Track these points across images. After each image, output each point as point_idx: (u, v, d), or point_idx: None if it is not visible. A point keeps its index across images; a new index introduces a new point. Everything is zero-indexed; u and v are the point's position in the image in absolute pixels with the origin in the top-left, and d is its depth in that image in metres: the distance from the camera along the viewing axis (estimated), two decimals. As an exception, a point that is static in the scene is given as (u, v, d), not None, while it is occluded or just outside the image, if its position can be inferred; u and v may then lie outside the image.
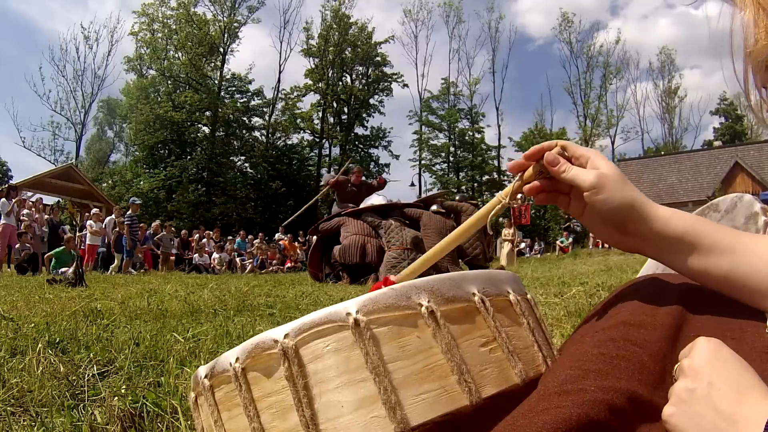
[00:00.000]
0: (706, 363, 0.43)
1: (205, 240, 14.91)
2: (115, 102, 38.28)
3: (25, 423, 1.17)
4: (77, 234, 10.21)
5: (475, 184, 38.21)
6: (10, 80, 50.83)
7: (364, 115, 37.50)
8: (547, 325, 0.58)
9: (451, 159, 38.68)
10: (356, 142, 37.40)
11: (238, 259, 15.37)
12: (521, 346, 0.49)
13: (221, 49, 33.88)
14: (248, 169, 34.81)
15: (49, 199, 17.04)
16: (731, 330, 0.49)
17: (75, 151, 33.45)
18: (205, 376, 0.51)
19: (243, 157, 34.83)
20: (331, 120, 37.02)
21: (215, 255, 14.23)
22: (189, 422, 1.14)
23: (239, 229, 20.96)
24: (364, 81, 37.47)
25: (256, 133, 35.70)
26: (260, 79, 61.49)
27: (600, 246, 19.67)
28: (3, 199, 9.38)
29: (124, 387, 1.34)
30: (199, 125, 33.56)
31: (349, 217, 7.30)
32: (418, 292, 0.46)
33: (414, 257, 6.48)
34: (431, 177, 38.78)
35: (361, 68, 37.50)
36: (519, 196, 0.63)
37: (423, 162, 38.75)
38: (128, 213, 11.19)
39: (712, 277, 0.53)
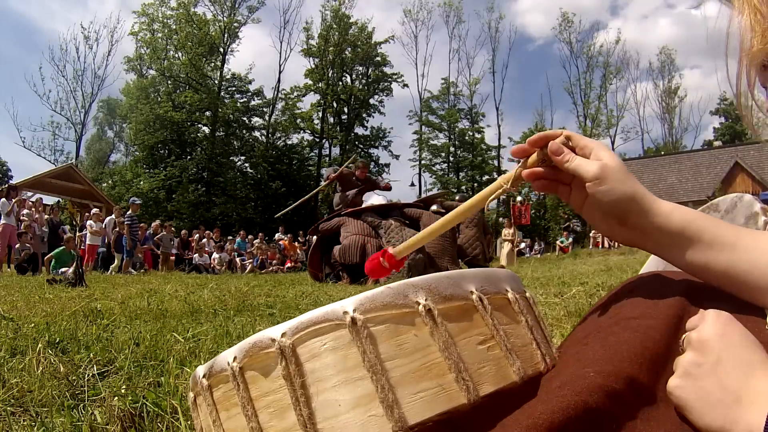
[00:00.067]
0: (715, 338, 0.43)
1: (205, 240, 14.91)
2: (115, 102, 38.29)
3: (25, 423, 1.17)
4: (77, 234, 10.22)
5: (475, 184, 38.20)
6: (10, 80, 50.88)
7: (364, 115, 37.51)
8: (546, 324, 0.58)
9: (451, 159, 38.69)
10: (356, 142, 37.40)
11: (238, 259, 15.37)
12: (519, 344, 0.49)
13: (221, 49, 33.89)
14: (248, 169, 34.82)
15: (49, 199, 17.06)
16: None
17: (75, 151, 33.49)
18: (204, 376, 0.51)
19: (243, 157, 34.85)
20: (331, 120, 37.03)
21: (215, 255, 14.23)
22: (189, 422, 1.14)
23: (239, 229, 20.97)
24: (364, 81, 37.48)
25: (256, 133, 35.76)
26: (260, 79, 61.58)
27: (600, 246, 19.68)
28: (3, 199, 9.38)
29: (124, 387, 1.34)
30: (199, 125, 33.58)
31: (349, 217, 7.31)
32: (415, 291, 0.46)
33: (414, 257, 6.48)
34: (431, 177, 38.84)
35: (361, 68, 37.52)
36: (520, 191, 0.63)
37: (423, 162, 38.78)
38: (128, 213, 11.20)
39: (712, 272, 0.53)
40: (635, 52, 46.79)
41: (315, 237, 8.12)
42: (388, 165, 37.19)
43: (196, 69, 32.44)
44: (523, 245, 22.93)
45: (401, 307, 0.45)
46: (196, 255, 13.86)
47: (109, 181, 33.53)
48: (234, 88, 34.89)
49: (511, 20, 54.84)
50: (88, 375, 1.46)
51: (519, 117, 77.37)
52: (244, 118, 34.92)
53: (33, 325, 2.17)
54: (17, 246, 9.95)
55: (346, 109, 37.34)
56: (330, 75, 36.16)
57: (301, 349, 0.44)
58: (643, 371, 0.44)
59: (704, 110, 51.20)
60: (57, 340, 1.83)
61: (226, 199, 31.92)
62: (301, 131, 36.86)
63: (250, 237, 17.25)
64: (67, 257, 9.06)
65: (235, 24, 34.13)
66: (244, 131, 35.11)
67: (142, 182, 30.66)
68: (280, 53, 36.07)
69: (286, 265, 15.50)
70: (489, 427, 0.44)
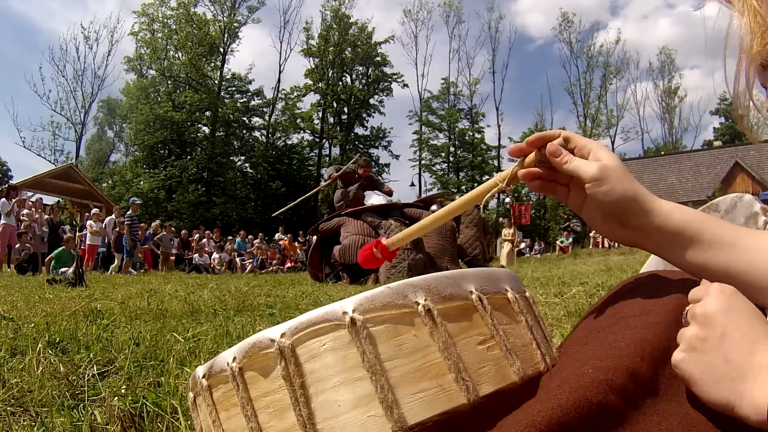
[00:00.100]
0: (719, 312, 0.43)
1: (205, 240, 14.92)
2: (115, 102, 38.29)
3: (25, 423, 1.17)
4: (77, 234, 10.22)
5: (475, 184, 38.01)
6: (10, 80, 50.84)
7: (364, 115, 37.51)
8: (546, 323, 0.58)
9: (451, 159, 38.69)
10: (356, 142, 37.40)
11: (238, 259, 15.37)
12: (519, 344, 0.49)
13: (221, 49, 33.90)
14: (248, 169, 34.83)
15: (49, 199, 17.06)
16: None
17: (75, 151, 33.49)
18: (203, 376, 0.51)
19: (243, 157, 34.85)
20: (331, 120, 37.03)
21: (215, 255, 14.23)
22: (189, 422, 1.14)
23: (239, 229, 20.98)
24: (364, 81, 37.48)
25: (256, 133, 35.76)
26: (260, 79, 61.55)
27: (600, 246, 19.67)
28: (3, 199, 9.38)
29: (124, 387, 1.35)
30: (199, 125, 33.58)
31: (349, 217, 7.31)
32: (414, 291, 0.46)
33: (414, 257, 6.48)
34: (431, 177, 38.83)
35: (361, 68, 37.52)
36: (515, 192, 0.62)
37: (423, 162, 38.78)
38: (128, 213, 11.20)
39: (711, 272, 0.53)
40: (635, 52, 46.81)
41: (315, 237, 8.12)
42: (388, 165, 37.23)
43: (196, 69, 32.44)
44: (523, 245, 22.93)
45: (401, 307, 0.45)
46: (196, 255, 13.86)
47: (109, 181, 33.54)
48: (234, 88, 34.90)
49: (511, 20, 54.89)
50: (88, 375, 1.46)
51: (519, 117, 77.38)
52: (244, 118, 34.93)
53: (33, 325, 2.17)
54: (17, 246, 9.95)
55: (346, 109, 37.34)
56: (330, 75, 36.17)
57: (301, 350, 0.44)
58: (644, 364, 0.44)
59: (704, 110, 51.16)
60: (57, 340, 1.83)
61: (226, 199, 31.92)
62: (301, 131, 36.88)
63: (250, 237, 17.25)
64: (67, 257, 9.06)
65: (235, 24, 34.13)
66: (244, 131, 35.12)
67: (142, 182, 30.66)
68: (280, 53, 36.12)
69: (286, 265, 15.50)
70: (489, 427, 0.44)
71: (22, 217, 10.39)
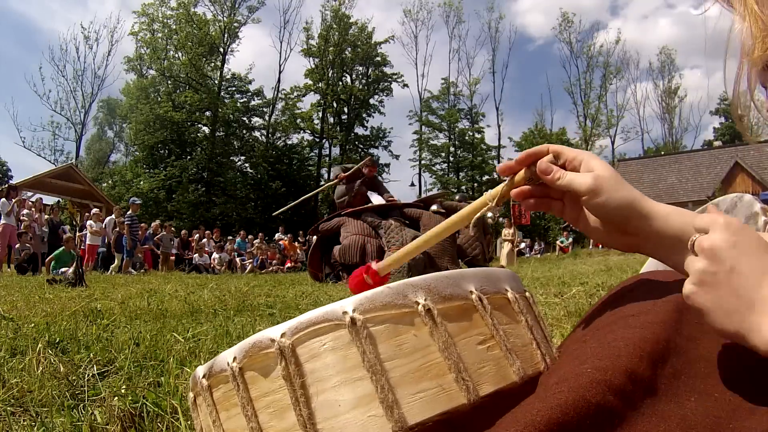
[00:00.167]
0: (727, 246, 0.43)
1: (205, 240, 14.92)
2: (115, 102, 38.30)
3: (25, 423, 1.17)
4: (77, 234, 10.22)
5: (475, 184, 38.20)
6: (10, 80, 50.89)
7: (364, 115, 37.50)
8: (546, 323, 0.58)
9: (451, 159, 38.68)
10: (356, 142, 37.40)
11: (238, 259, 15.37)
12: (519, 344, 0.49)
13: (221, 49, 33.89)
14: (248, 169, 34.82)
15: (49, 199, 17.06)
16: None
17: (75, 151, 33.50)
18: (203, 376, 0.51)
19: (243, 157, 34.85)
20: (331, 120, 37.02)
21: (215, 255, 14.23)
22: (189, 422, 1.14)
23: (239, 229, 20.97)
24: (364, 81, 37.48)
25: (256, 133, 35.75)
26: (260, 79, 61.59)
27: (600, 246, 19.66)
28: (3, 199, 9.38)
29: (124, 387, 1.35)
30: (199, 125, 33.58)
31: (349, 217, 7.31)
32: (414, 291, 0.46)
33: (414, 257, 6.48)
34: (431, 177, 38.83)
35: (361, 68, 37.52)
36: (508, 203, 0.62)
37: (423, 162, 38.78)
38: (128, 213, 11.20)
39: None
40: (635, 52, 46.85)
41: (315, 237, 8.12)
42: (388, 165, 37.19)
43: (196, 69, 32.43)
44: (523, 245, 22.91)
45: (401, 307, 0.45)
46: (196, 255, 13.86)
47: (109, 181, 33.54)
48: (234, 88, 34.90)
49: (511, 20, 54.96)
50: (88, 375, 1.46)
51: (519, 117, 77.47)
52: (244, 118, 34.92)
53: (33, 325, 2.17)
54: (17, 246, 9.95)
55: (346, 109, 37.33)
56: (330, 75, 36.16)
57: (301, 350, 0.44)
58: (642, 364, 0.44)
59: (704, 110, 51.21)
60: (57, 340, 1.83)
61: (226, 199, 31.92)
62: (301, 131, 36.87)
63: (250, 237, 17.25)
64: (67, 257, 9.06)
65: (235, 24, 34.13)
66: (244, 131, 35.11)
67: (142, 182, 30.65)
68: (280, 53, 36.12)
69: (286, 265, 15.50)
70: (489, 427, 0.44)
71: (22, 217, 10.39)
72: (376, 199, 7.83)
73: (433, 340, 0.44)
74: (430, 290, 0.46)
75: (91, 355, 1.64)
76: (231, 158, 33.99)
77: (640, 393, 0.43)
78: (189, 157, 32.42)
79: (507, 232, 13.68)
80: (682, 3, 53.42)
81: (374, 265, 0.70)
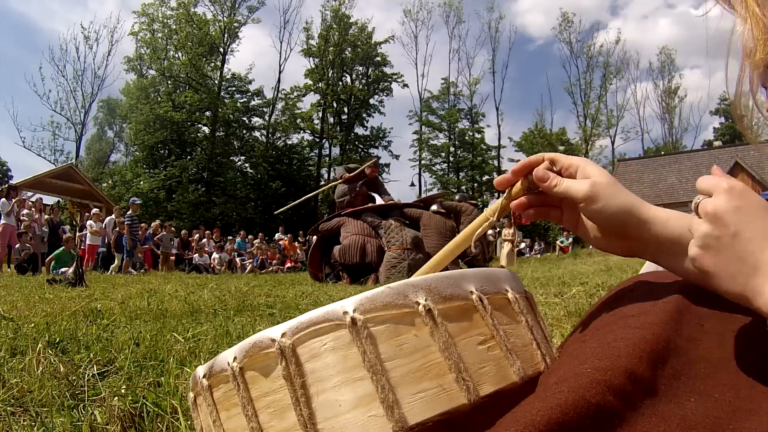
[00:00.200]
0: (731, 210, 0.44)
1: (205, 240, 14.92)
2: (115, 102, 38.31)
3: (25, 423, 1.17)
4: (77, 234, 10.22)
5: (475, 184, 38.22)
6: (10, 80, 50.97)
7: (364, 115, 37.52)
8: (546, 323, 0.58)
9: (451, 159, 38.70)
10: (356, 142, 37.41)
11: (238, 259, 15.37)
12: (519, 344, 0.49)
13: (221, 49, 33.90)
14: (248, 169, 34.83)
15: (49, 199, 17.06)
16: (732, 323, 0.49)
17: (75, 151, 33.52)
18: (204, 376, 0.51)
19: (243, 157, 34.86)
20: (331, 120, 37.03)
21: (215, 255, 14.23)
22: (189, 422, 1.14)
23: (239, 229, 20.98)
24: (364, 81, 37.49)
25: (256, 133, 35.77)
26: (260, 79, 61.68)
27: (600, 247, 19.64)
28: (3, 199, 9.38)
29: (124, 387, 1.35)
30: (199, 125, 33.59)
31: (349, 217, 7.31)
32: (415, 291, 0.46)
33: (414, 257, 6.48)
34: (431, 177, 38.86)
35: (361, 68, 37.54)
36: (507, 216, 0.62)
37: (423, 162, 38.80)
38: (128, 213, 11.20)
39: None
40: (635, 52, 46.91)
41: (315, 237, 8.12)
42: (388, 165, 37.20)
43: (196, 69, 32.44)
44: (523, 245, 22.92)
45: (401, 307, 0.45)
46: (196, 255, 13.86)
47: (109, 181, 33.55)
48: (234, 88, 34.91)
49: (511, 20, 55.09)
50: (88, 375, 1.46)
51: (519, 117, 77.49)
52: (244, 118, 34.94)
53: (33, 325, 2.17)
54: (17, 246, 9.95)
55: (346, 109, 37.35)
56: (330, 75, 36.17)
57: (301, 349, 0.44)
58: (642, 365, 0.44)
59: (704, 110, 51.21)
60: (57, 340, 1.83)
61: (226, 199, 31.93)
62: (301, 131, 36.89)
63: (250, 237, 17.26)
64: (67, 257, 9.06)
65: (235, 24, 34.14)
66: (244, 131, 35.13)
67: (142, 182, 30.67)
68: (280, 53, 36.15)
69: (286, 265, 15.50)
70: (489, 427, 0.44)
71: (22, 217, 10.39)
72: (377, 200, 7.84)
73: (433, 340, 0.44)
74: (430, 290, 0.46)
75: (91, 355, 1.64)
76: (231, 158, 34.01)
77: (639, 393, 0.43)
78: (189, 157, 32.43)
79: (507, 232, 13.69)
80: (682, 3, 53.47)
81: None
